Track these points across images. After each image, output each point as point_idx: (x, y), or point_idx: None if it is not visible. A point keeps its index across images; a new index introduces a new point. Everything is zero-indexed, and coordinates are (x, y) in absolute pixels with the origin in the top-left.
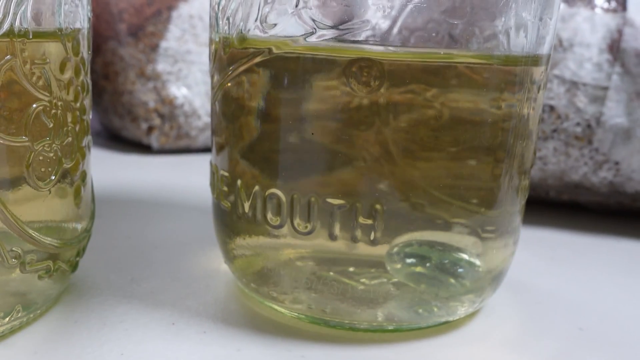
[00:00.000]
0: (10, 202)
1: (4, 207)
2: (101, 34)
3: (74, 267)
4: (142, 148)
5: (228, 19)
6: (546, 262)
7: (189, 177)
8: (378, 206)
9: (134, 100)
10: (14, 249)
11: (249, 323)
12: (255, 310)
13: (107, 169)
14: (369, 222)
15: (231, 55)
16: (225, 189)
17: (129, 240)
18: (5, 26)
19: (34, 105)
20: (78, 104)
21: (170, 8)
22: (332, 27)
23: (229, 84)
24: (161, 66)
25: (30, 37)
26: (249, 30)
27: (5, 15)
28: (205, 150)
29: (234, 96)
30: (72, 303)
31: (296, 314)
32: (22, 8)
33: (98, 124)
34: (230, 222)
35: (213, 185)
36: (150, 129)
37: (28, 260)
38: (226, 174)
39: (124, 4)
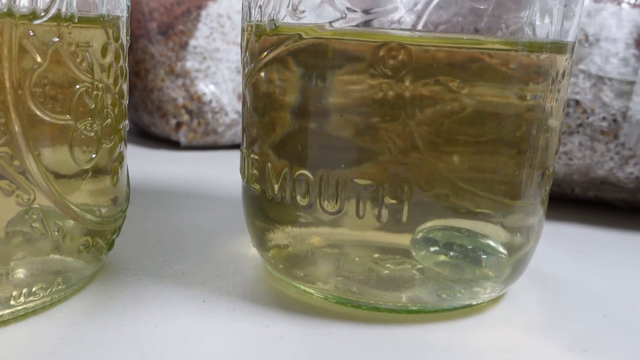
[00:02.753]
0: (53, 176)
1: (48, 180)
2: (132, 33)
3: (110, 245)
4: (170, 144)
5: (260, 7)
6: (571, 256)
7: (216, 172)
8: (405, 187)
9: (163, 97)
10: (57, 222)
11: (276, 302)
12: (282, 291)
13: (137, 163)
14: (395, 202)
15: (263, 43)
16: (255, 172)
17: (159, 228)
18: (53, 11)
19: (78, 86)
20: (117, 88)
21: (199, 7)
22: (361, 12)
23: (261, 71)
24: (190, 64)
25: (76, 21)
26: (280, 17)
27: (52, 0)
28: (232, 146)
29: (265, 82)
30: (108, 281)
31: (323, 294)
32: None
33: (128, 120)
34: (260, 204)
35: (243, 170)
36: (178, 125)
37: (68, 234)
38: (256, 157)
39: (154, 4)
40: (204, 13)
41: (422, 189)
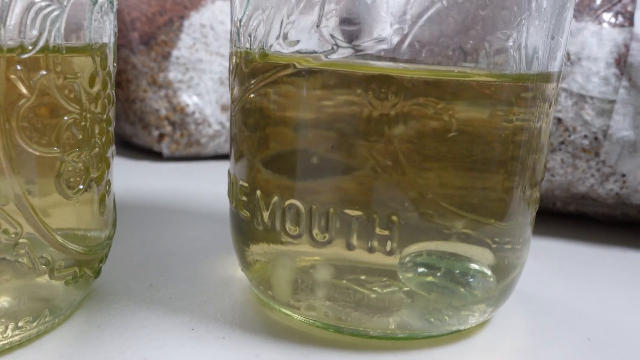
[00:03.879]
0: (40, 210)
1: (36, 214)
2: None
3: (97, 273)
4: (153, 155)
5: (250, 35)
6: (554, 273)
7: (200, 184)
8: (394, 217)
9: (146, 107)
10: (44, 255)
11: (265, 329)
12: (271, 317)
13: (119, 175)
14: (386, 232)
15: (252, 70)
16: (244, 198)
17: (145, 247)
18: (41, 42)
19: (65, 118)
20: (105, 116)
21: (181, 17)
22: (351, 45)
23: (250, 97)
24: (173, 74)
25: (64, 52)
26: (270, 46)
27: (41, 32)
28: (215, 157)
29: (255, 109)
30: (95, 308)
31: (312, 320)
32: (57, 25)
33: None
34: (249, 231)
35: (231, 194)
36: (161, 137)
37: (57, 266)
38: (245, 184)
39: (136, 13)
40: (186, 23)
41: (412, 213)
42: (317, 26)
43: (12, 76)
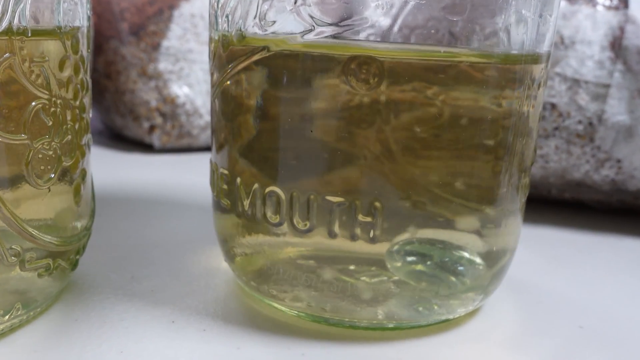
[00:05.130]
0: (9, 200)
1: (3, 205)
2: (103, 34)
3: (74, 265)
4: (143, 147)
5: (227, 16)
6: (547, 261)
7: (191, 176)
8: (377, 204)
9: (136, 99)
10: (13, 247)
11: (248, 321)
12: (255, 309)
13: (109, 167)
14: (369, 219)
15: (230, 53)
16: (225, 187)
17: (129, 239)
18: (4, 24)
19: (33, 104)
20: (77, 102)
21: (171, 7)
22: (331, 25)
23: (228, 82)
24: (163, 65)
25: (29, 35)
26: (247, 28)
27: (3, 13)
28: (207, 149)
29: (233, 94)
30: (72, 301)
31: (296, 312)
32: (21, 6)
33: (100, 123)
34: (230, 220)
35: (213, 183)
36: (152, 128)
37: (27, 258)
38: (226, 172)
39: (125, 4)
40: (176, 13)
41: (398, 199)
42: (295, 3)
43: None
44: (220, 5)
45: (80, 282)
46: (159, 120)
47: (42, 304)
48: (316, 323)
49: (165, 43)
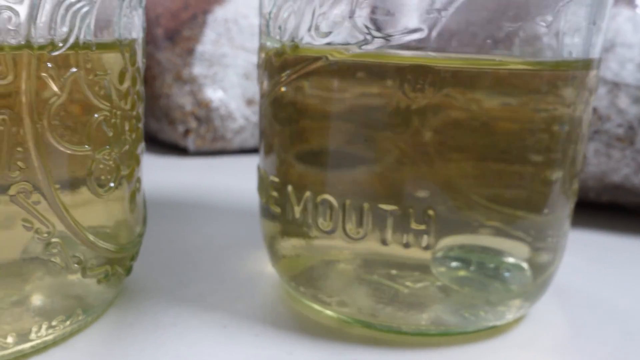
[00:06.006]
0: (72, 208)
1: (67, 213)
2: None
3: (129, 271)
4: (178, 150)
5: (279, 26)
6: (588, 265)
7: (226, 179)
8: (431, 212)
9: (171, 103)
10: (76, 254)
11: (298, 326)
12: (303, 313)
13: (145, 171)
14: (422, 227)
15: (284, 62)
16: (275, 194)
17: (173, 243)
18: (71, 39)
19: (96, 115)
20: (134, 112)
21: (205, 12)
22: (387, 35)
23: (282, 91)
24: (197, 70)
25: (93, 48)
26: (302, 38)
27: (71, 29)
28: (240, 152)
29: (287, 103)
30: (125, 306)
31: (344, 316)
32: (87, 21)
33: None
34: (280, 226)
35: (262, 190)
36: (186, 132)
37: (89, 265)
38: (276, 179)
39: (160, 9)
40: (210, 18)
41: (450, 207)
42: (350, 17)
43: (43, 74)
44: (272, 15)
45: (131, 287)
46: (193, 124)
47: (99, 309)
48: (364, 328)
49: (199, 48)
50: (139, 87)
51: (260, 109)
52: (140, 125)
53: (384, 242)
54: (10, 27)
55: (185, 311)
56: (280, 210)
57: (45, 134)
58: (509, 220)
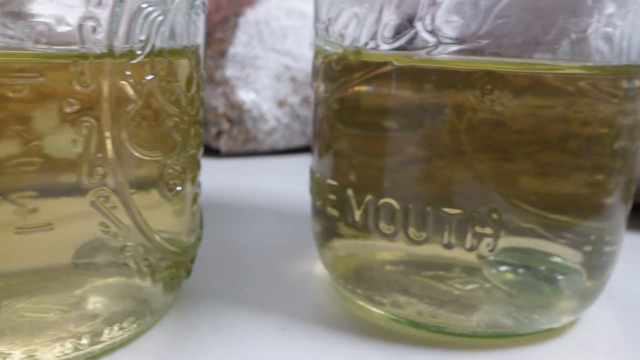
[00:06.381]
0: (144, 212)
1: (141, 217)
2: None
3: (189, 273)
4: (210, 152)
5: (340, 32)
6: (637, 267)
7: (259, 180)
8: (495, 215)
9: (204, 105)
10: (147, 257)
11: (354, 327)
12: (357, 314)
13: None
14: (486, 231)
15: (344, 68)
16: (333, 197)
17: (220, 246)
18: (148, 48)
19: (168, 121)
20: (198, 118)
21: (237, 14)
22: (455, 41)
23: (344, 95)
24: (230, 72)
25: (167, 56)
26: (366, 44)
27: (148, 37)
28: (271, 153)
29: (349, 107)
30: (183, 308)
31: (399, 318)
32: (162, 29)
33: None
34: (337, 228)
35: (317, 193)
36: (219, 134)
37: (158, 268)
38: (334, 182)
39: None
40: (242, 20)
41: (513, 211)
42: (418, 23)
43: (122, 82)
44: (331, 21)
45: (186, 288)
46: (226, 125)
47: (162, 311)
48: (419, 329)
49: (231, 50)
50: (202, 92)
51: (315, 113)
52: (202, 130)
53: (447, 245)
54: (94, 36)
55: (242, 313)
56: (339, 213)
57: (122, 141)
58: (568, 225)
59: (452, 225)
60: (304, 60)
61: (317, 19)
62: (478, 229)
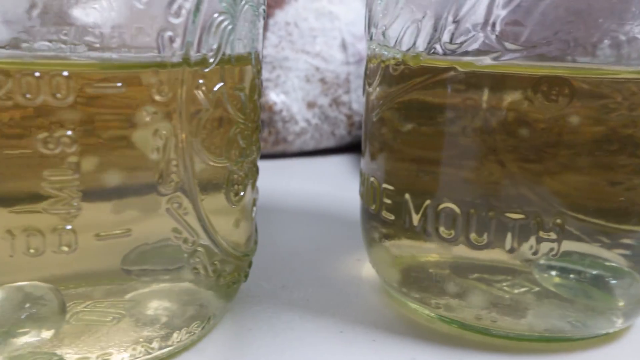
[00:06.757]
0: (212, 218)
1: (210, 222)
2: None
3: (247, 277)
4: None
5: (398, 38)
6: None
7: (291, 182)
8: (559, 220)
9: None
10: (214, 262)
11: (411, 330)
12: (410, 316)
13: None
14: (550, 236)
15: (403, 73)
16: (389, 201)
17: (265, 248)
18: (219, 55)
19: (234, 128)
20: (258, 123)
21: (267, 16)
22: (519, 47)
23: (403, 100)
24: None
25: (234, 62)
26: (427, 49)
27: (220, 45)
28: (300, 154)
29: (409, 112)
30: (238, 311)
31: (456, 321)
32: (231, 37)
33: None
34: (393, 232)
35: (370, 197)
36: None
37: (223, 273)
38: (390, 187)
39: None
40: (271, 22)
41: (574, 218)
42: (483, 28)
43: (196, 90)
44: (386, 25)
45: (239, 292)
46: None
47: (222, 314)
48: (477, 333)
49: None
50: (261, 98)
51: (369, 116)
52: (260, 135)
53: (510, 250)
54: (172, 46)
55: (297, 316)
56: (394, 217)
57: (195, 148)
58: (628, 231)
59: (515, 230)
60: (333, 61)
61: (371, 23)
62: (542, 233)
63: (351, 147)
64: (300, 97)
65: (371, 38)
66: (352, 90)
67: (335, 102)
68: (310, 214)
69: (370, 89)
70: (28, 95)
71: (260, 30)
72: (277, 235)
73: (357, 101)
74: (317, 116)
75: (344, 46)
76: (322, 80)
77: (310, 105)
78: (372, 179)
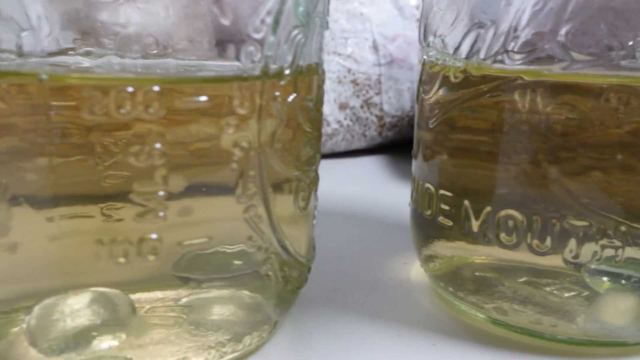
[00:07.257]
0: (283, 225)
1: (281, 230)
2: None
3: (306, 281)
4: None
5: (459, 46)
6: None
7: (324, 184)
8: (623, 228)
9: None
10: (283, 268)
11: (468, 334)
12: (464, 320)
13: None
14: (615, 243)
15: (465, 81)
16: (446, 207)
17: None
18: (294, 67)
19: (303, 137)
20: (320, 132)
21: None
22: (588, 56)
23: (464, 107)
24: None
25: (305, 74)
26: (491, 58)
27: (294, 56)
28: (331, 156)
29: (472, 120)
30: (296, 315)
31: (515, 326)
32: (304, 49)
33: None
34: (450, 238)
35: (425, 202)
36: None
37: (291, 278)
38: (448, 193)
39: None
40: None
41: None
42: (550, 37)
43: (272, 102)
44: (446, 35)
45: None
46: None
47: (284, 318)
48: (532, 337)
49: None
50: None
51: (424, 123)
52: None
53: (574, 256)
54: (253, 59)
55: (354, 319)
56: (452, 223)
57: (270, 158)
58: None
59: (578, 236)
60: (365, 63)
61: (428, 31)
62: (606, 240)
63: (381, 148)
64: (332, 98)
65: (428, 45)
66: (383, 91)
67: (367, 104)
68: (349, 216)
69: (427, 96)
70: (122, 111)
71: (324, 42)
72: (321, 238)
73: (388, 102)
74: (349, 117)
75: (375, 47)
76: (354, 82)
77: (343, 106)
78: (427, 184)
